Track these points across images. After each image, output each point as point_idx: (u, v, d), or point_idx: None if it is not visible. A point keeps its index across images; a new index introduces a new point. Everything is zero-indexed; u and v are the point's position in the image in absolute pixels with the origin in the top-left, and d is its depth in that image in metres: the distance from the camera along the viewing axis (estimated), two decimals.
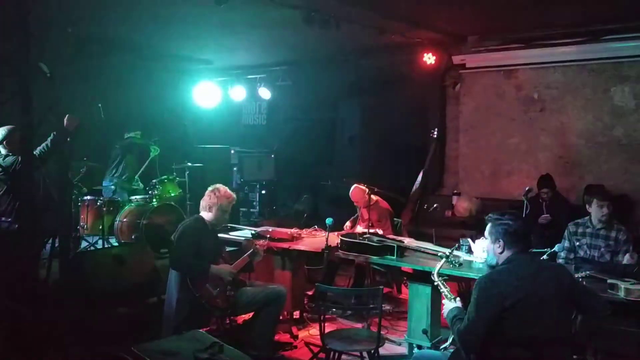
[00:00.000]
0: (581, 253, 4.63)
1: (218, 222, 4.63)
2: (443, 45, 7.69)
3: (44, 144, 4.73)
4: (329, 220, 4.96)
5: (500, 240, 2.81)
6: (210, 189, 4.60)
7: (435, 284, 3.28)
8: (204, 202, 4.59)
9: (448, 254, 3.58)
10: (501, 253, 2.82)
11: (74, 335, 4.29)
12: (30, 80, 3.61)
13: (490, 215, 2.92)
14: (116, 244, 6.69)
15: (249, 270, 4.91)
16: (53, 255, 4.68)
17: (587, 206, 4.72)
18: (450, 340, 3.13)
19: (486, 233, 2.91)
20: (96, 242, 6.70)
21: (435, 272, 3.31)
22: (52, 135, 4.72)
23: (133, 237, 6.71)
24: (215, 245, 4.63)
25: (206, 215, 4.56)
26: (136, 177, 7.65)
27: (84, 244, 6.70)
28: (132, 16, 6.32)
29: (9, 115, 3.94)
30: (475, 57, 7.74)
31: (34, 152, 4.70)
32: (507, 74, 7.65)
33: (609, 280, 3.75)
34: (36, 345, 3.44)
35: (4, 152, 4.72)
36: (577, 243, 4.66)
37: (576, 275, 3.93)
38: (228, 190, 4.63)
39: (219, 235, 5.01)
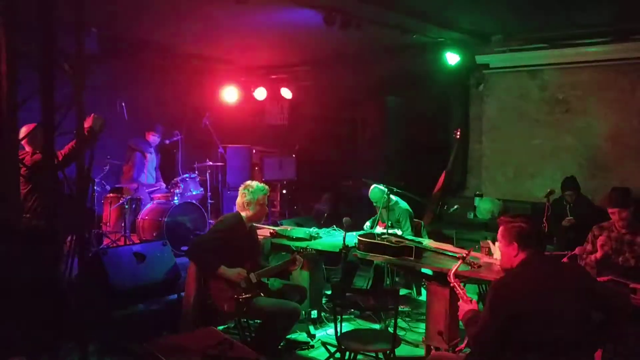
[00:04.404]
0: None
1: (258, 217, 4.65)
2: (466, 45, 7.61)
3: (70, 145, 4.78)
4: (346, 220, 4.95)
5: (514, 242, 2.76)
6: (241, 187, 4.62)
7: (452, 285, 3.24)
8: (239, 201, 4.60)
9: (465, 255, 3.54)
10: (515, 256, 2.77)
11: (93, 331, 4.35)
12: (53, 79, 3.66)
13: (502, 217, 2.88)
14: (138, 241, 6.78)
15: (285, 277, 4.96)
16: (75, 252, 4.74)
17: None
18: (465, 342, 3.09)
19: (499, 236, 2.86)
20: (118, 239, 6.80)
21: (451, 274, 3.27)
22: (77, 135, 4.76)
23: (154, 234, 6.80)
24: (247, 246, 4.58)
25: (244, 213, 4.57)
26: (151, 176, 7.74)
27: (106, 241, 6.82)
28: (155, 16, 6.39)
29: (31, 114, 4.01)
30: (499, 57, 7.62)
31: (63, 153, 4.78)
32: (532, 74, 7.53)
33: (632, 285, 3.67)
34: (55, 340, 3.49)
35: (27, 149, 4.80)
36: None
37: (597, 279, 3.84)
38: (260, 184, 4.64)
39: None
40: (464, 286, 3.25)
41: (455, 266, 3.32)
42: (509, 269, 2.80)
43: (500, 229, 2.85)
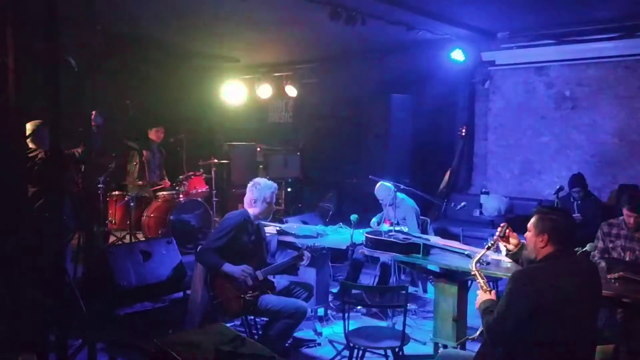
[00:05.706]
0: (614, 254, 4.48)
1: (265, 215, 4.60)
2: (472, 41, 7.57)
3: (82, 145, 4.77)
4: (353, 217, 4.92)
5: (545, 234, 2.72)
6: (250, 184, 4.60)
7: (473, 273, 3.19)
8: (247, 198, 4.57)
9: (490, 245, 3.43)
10: (543, 247, 2.72)
11: (99, 327, 4.33)
12: (59, 77, 3.65)
13: (539, 207, 2.84)
14: (143, 239, 6.77)
15: (292, 274, 4.92)
16: (82, 249, 4.74)
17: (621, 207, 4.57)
18: (479, 331, 3.04)
19: (530, 225, 2.81)
20: (124, 237, 6.79)
21: (473, 262, 3.23)
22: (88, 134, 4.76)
23: (160, 232, 6.78)
24: (254, 244, 4.55)
25: (251, 210, 4.55)
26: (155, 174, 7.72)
27: (112, 238, 6.81)
28: (160, 14, 6.37)
29: (37, 111, 4.00)
30: (505, 53, 7.59)
31: (79, 151, 4.77)
32: (538, 70, 7.50)
33: None
34: (60, 336, 3.48)
35: (31, 146, 4.77)
36: (611, 245, 4.51)
37: (608, 276, 3.81)
38: (268, 181, 4.62)
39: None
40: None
41: (479, 254, 3.27)
42: (532, 260, 2.77)
43: (535, 217, 2.79)
